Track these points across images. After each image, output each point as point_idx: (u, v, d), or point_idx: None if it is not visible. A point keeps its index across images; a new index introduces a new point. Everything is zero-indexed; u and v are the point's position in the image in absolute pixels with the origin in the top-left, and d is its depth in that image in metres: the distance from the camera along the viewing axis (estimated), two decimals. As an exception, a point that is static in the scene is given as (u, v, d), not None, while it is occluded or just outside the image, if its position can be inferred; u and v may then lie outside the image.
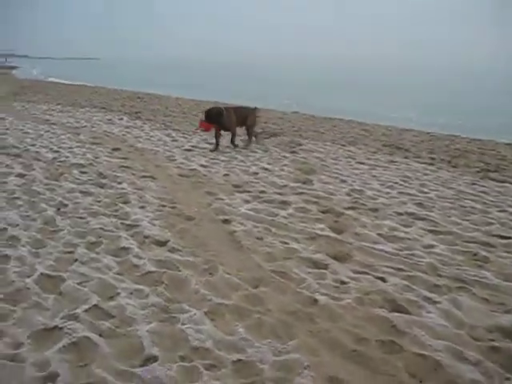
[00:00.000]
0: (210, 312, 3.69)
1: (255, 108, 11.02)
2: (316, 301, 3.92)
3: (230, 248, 5.01)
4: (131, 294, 3.92)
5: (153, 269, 4.35)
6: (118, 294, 3.89)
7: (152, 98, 23.30)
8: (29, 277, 4.09)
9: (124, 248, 4.82)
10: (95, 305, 3.68)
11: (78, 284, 4.01)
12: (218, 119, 10.04)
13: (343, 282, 4.28)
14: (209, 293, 3.97)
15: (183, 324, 3.49)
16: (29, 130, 11.75)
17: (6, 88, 26.02)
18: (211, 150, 10.11)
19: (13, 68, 69.80)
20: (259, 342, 3.34)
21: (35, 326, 3.38)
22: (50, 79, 38.97)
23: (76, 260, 4.49)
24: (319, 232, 5.45)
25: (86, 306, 3.65)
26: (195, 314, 3.62)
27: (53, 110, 16.46)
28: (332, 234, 5.40)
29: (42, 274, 4.15)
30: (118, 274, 4.27)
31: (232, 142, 10.57)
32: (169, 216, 5.83)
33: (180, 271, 4.35)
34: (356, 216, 6.02)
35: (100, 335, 3.32)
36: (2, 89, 25.44)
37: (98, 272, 4.27)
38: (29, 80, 39.32)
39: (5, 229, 5.15)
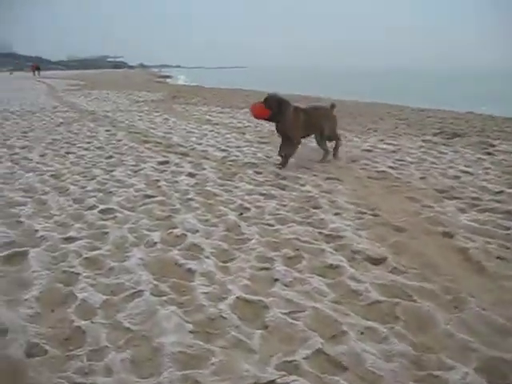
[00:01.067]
0: (482, 370, 2.53)
1: (332, 105, 8.27)
2: None
3: (469, 271, 3.80)
4: (362, 333, 2.86)
5: (380, 297, 3.28)
6: (345, 333, 2.85)
7: (310, 100, 22.56)
8: (222, 301, 3.20)
9: (332, 266, 3.81)
10: (319, 349, 2.67)
11: (287, 315, 3.04)
12: (278, 110, 7.25)
13: None
14: (469, 338, 2.80)
15: (456, 392, 2.34)
16: (193, 130, 11.42)
17: (165, 92, 26.84)
18: (279, 167, 7.41)
19: (167, 77, 73.94)
20: None
21: (243, 379, 2.44)
22: (204, 85, 40.03)
23: (276, 280, 3.54)
24: None
25: (307, 351, 2.66)
26: (467, 374, 2.46)
27: (212, 111, 16.26)
28: None
29: (238, 297, 3.24)
30: (334, 302, 3.26)
31: (283, 154, 7.56)
32: (374, 226, 4.76)
33: (416, 302, 3.23)
34: None
35: (335, 401, 2.28)
36: (161, 93, 26.28)
37: (309, 298, 3.28)
38: (184, 85, 40.85)
39: (184, 235, 4.40)
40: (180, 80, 61.52)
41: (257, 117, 7.63)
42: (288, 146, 7.55)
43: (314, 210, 5.19)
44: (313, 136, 7.98)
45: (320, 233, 4.52)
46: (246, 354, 2.66)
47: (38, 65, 74.74)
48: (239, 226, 4.66)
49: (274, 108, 7.22)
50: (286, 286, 3.46)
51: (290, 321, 2.96)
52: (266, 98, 7.31)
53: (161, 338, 2.76)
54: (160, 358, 2.60)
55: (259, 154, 8.27)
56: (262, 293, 3.36)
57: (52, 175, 6.77)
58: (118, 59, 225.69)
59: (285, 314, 3.04)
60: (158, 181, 6.38)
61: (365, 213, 5.16)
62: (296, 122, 7.46)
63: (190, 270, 3.68)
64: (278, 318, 2.99)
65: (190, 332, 2.84)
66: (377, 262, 3.91)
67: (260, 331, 2.87)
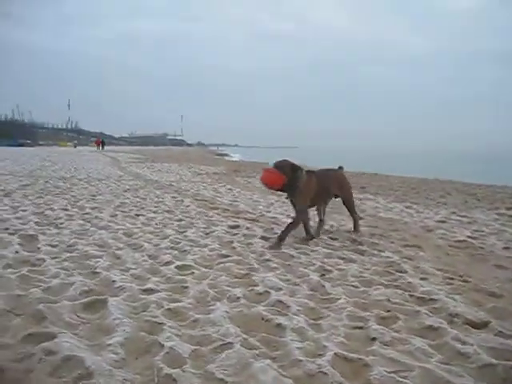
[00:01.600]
0: None
1: (340, 168, 7.57)
2: None
3: None
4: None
5: (493, 360, 2.98)
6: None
7: (368, 176, 22.51)
8: (319, 357, 2.98)
9: (432, 327, 3.55)
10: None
11: (394, 373, 2.77)
12: (292, 176, 6.32)
13: None
14: None
15: None
16: (258, 199, 11.47)
17: (225, 167, 27.43)
18: (306, 239, 6.66)
19: (225, 154, 76.12)
20: None
21: None
22: (261, 161, 40.85)
23: (374, 339, 3.30)
24: None
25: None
26: None
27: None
28: None
29: (336, 354, 3.00)
30: (443, 363, 2.98)
31: (286, 230, 6.38)
32: (467, 291, 4.52)
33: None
34: None
35: None
36: (223, 168, 26.86)
37: (414, 358, 3.04)
38: (244, 162, 41.66)
39: (267, 292, 4.23)
40: (235, 157, 63.02)
41: (271, 186, 6.50)
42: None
43: (400, 274, 4.97)
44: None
45: (411, 295, 4.29)
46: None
47: (102, 139, 78.32)
48: (323, 286, 4.47)
49: (288, 174, 6.30)
50: (385, 345, 3.22)
51: (399, 379, 2.71)
52: (278, 165, 6.38)
53: (260, 390, 2.55)
54: (261, 411, 2.38)
55: (331, 222, 8.11)
56: (360, 351, 3.13)
57: (124, 233, 6.78)
58: (177, 137, 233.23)
59: (391, 372, 2.79)
60: (231, 242, 6.28)
61: (453, 278, 4.92)
62: (307, 189, 6.53)
63: (279, 326, 3.48)
64: (384, 377, 2.74)
65: (290, 387, 2.62)
66: (479, 325, 3.65)
67: (365, 390, 2.62)
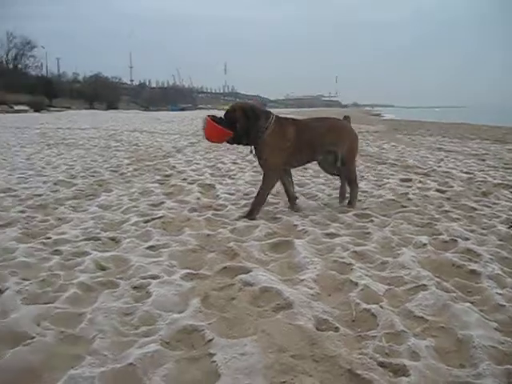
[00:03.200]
0: None
1: (346, 118, 5.89)
2: None
3: None
4: None
5: None
6: None
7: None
8: None
9: None
10: None
11: None
12: (246, 126, 4.84)
13: None
14: None
15: None
16: (426, 155, 11.11)
17: (385, 126, 26.72)
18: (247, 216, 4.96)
19: (377, 115, 74.11)
20: None
21: None
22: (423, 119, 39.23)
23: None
24: None
25: None
26: None
27: (441, 141, 15.70)
28: None
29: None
30: None
31: (256, 201, 5.08)
32: None
33: None
34: None
35: None
36: (382, 126, 26.22)
37: None
38: (402, 120, 40.21)
39: (453, 241, 4.09)
40: (387, 116, 60.97)
41: (216, 140, 5.04)
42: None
43: None
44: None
45: None
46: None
47: (257, 101, 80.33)
48: (514, 237, 4.22)
49: (241, 123, 4.82)
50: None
51: None
52: (228, 110, 4.94)
53: (465, 330, 2.48)
54: (469, 349, 2.32)
55: (511, 178, 7.61)
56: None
57: (297, 184, 6.90)
58: (332, 98, 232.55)
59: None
60: (406, 193, 6.16)
61: None
62: (274, 143, 4.92)
63: (473, 272, 3.36)
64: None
65: (496, 329, 2.52)
66: None
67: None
